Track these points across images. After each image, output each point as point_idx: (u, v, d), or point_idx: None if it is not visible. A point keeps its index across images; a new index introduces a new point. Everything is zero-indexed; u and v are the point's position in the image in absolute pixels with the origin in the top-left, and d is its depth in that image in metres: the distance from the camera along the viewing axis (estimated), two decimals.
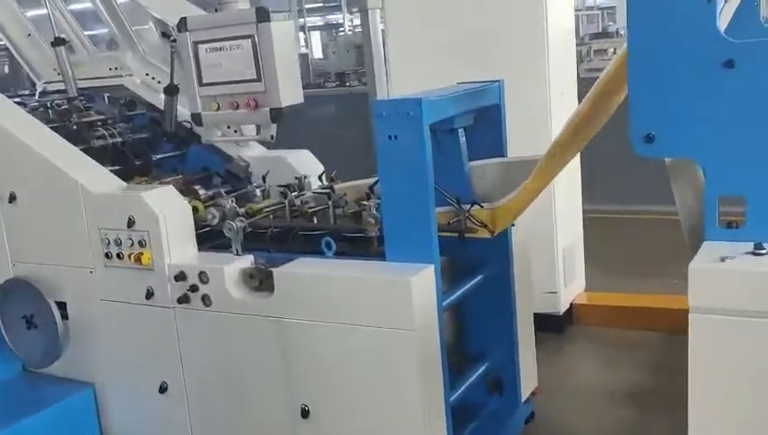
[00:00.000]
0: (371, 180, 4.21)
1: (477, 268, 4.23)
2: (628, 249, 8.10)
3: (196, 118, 4.05)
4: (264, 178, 4.80)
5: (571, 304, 6.44)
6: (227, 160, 5.20)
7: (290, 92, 3.83)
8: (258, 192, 4.67)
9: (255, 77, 3.82)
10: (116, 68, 5.66)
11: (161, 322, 4.14)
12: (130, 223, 4.08)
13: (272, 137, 3.92)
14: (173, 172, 5.30)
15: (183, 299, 4.03)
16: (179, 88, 5.05)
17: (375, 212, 3.83)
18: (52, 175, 4.30)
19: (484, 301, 4.37)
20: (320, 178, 4.89)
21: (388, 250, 3.68)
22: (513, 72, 4.69)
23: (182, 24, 3.92)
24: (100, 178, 4.35)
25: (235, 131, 4.26)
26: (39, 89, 5.82)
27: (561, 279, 6.14)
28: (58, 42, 5.40)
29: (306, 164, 5.12)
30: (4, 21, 5.72)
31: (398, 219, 3.63)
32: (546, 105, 5.75)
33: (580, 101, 3.94)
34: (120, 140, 5.07)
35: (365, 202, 4.00)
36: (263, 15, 3.72)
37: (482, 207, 3.83)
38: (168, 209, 4.10)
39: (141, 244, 4.08)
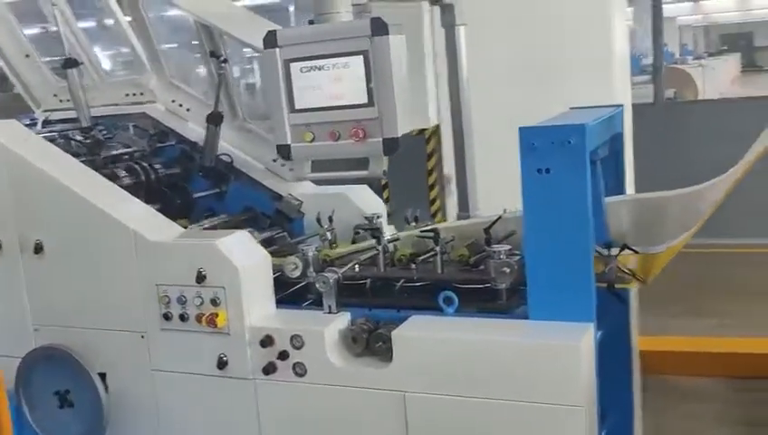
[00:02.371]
0: (481, 220, 3.60)
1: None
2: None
3: (284, 150, 3.35)
4: (330, 219, 4.12)
5: None
6: (276, 199, 4.50)
7: (405, 119, 3.20)
8: (329, 235, 4.01)
9: (366, 101, 3.16)
10: (134, 93, 4.92)
11: (237, 396, 3.42)
12: (201, 277, 3.37)
13: (384, 172, 3.26)
14: (209, 212, 4.58)
15: (269, 369, 3.32)
16: (223, 116, 4.37)
17: (509, 260, 3.21)
18: (96, 219, 3.55)
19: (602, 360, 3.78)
20: (389, 217, 4.27)
21: (534, 306, 3.07)
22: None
23: (271, 38, 3.23)
24: (156, 224, 3.62)
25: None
26: (39, 117, 5.01)
27: None
28: (70, 63, 4.64)
29: (369, 202, 4.47)
30: (2, 41, 4.91)
31: (548, 269, 3.02)
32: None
33: None
34: (152, 176, 4.33)
35: (486, 248, 3.37)
36: (379, 27, 3.08)
37: (636, 252, 3.25)
38: (246, 260, 3.40)
39: (214, 302, 3.37)
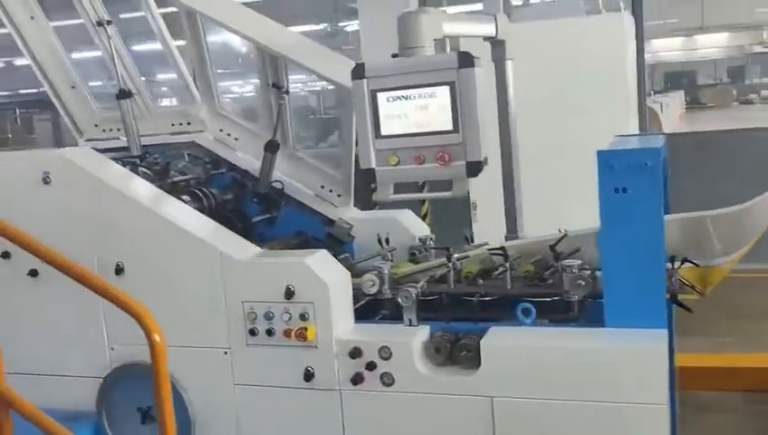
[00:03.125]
0: (543, 239, 3.86)
1: None
2: None
3: (369, 174, 3.58)
4: (387, 241, 4.35)
5: None
6: (327, 223, 4.72)
7: (487, 143, 3.46)
8: (390, 256, 4.25)
9: (452, 128, 3.42)
10: (180, 123, 5.10)
11: (323, 407, 3.59)
12: (289, 294, 3.56)
13: (468, 193, 3.51)
14: (258, 238, 4.77)
15: (357, 379, 3.51)
16: (279, 145, 4.59)
17: (582, 273, 3.48)
18: (181, 240, 3.72)
19: None
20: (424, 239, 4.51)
21: (610, 314, 3.33)
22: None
23: (359, 69, 3.47)
24: (237, 244, 3.81)
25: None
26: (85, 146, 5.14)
27: None
28: (123, 94, 4.81)
29: (416, 225, 4.72)
30: (48, 68, 5.05)
31: (624, 280, 3.29)
32: None
33: None
34: (213, 201, 4.51)
35: (554, 263, 3.64)
36: (466, 60, 3.35)
37: (697, 265, 3.54)
38: (332, 277, 3.61)
39: (303, 317, 3.56)
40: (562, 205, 5.25)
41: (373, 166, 3.58)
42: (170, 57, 4.96)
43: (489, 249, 3.88)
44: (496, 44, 4.27)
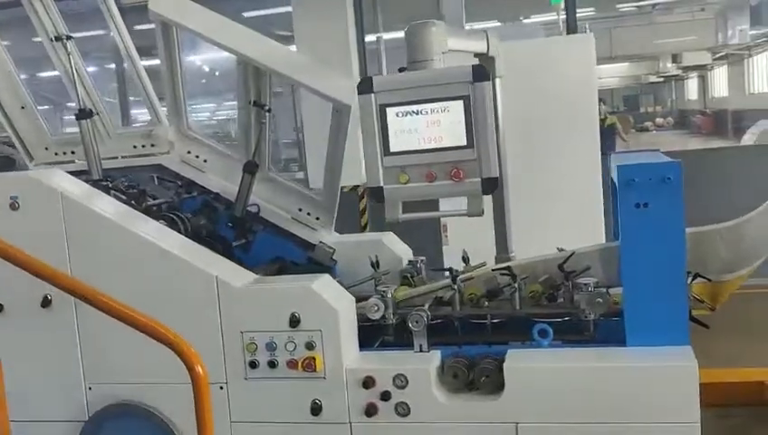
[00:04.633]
0: (550, 257, 3.76)
1: None
2: None
3: (376, 193, 3.40)
4: (376, 264, 4.17)
5: None
6: (306, 247, 4.50)
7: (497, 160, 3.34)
8: (384, 278, 4.07)
9: (466, 143, 3.28)
10: (143, 145, 4.79)
11: None
12: (294, 322, 3.33)
13: (482, 211, 3.37)
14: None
15: (371, 410, 3.31)
16: (258, 166, 4.36)
17: (599, 291, 3.39)
18: (171, 267, 3.45)
19: None
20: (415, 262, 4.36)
21: (631, 333, 3.26)
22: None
23: (367, 83, 3.31)
24: (233, 270, 3.56)
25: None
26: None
27: None
28: (83, 114, 4.49)
29: (399, 247, 4.56)
30: None
31: (647, 297, 3.22)
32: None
33: None
34: (189, 226, 4.23)
35: (565, 282, 3.55)
36: (481, 74, 3.23)
37: (709, 280, 3.51)
38: (339, 303, 3.40)
39: (310, 346, 3.34)
40: (541, 225, 5.19)
41: (381, 184, 3.41)
42: (137, 76, 4.65)
43: (494, 269, 3.75)
44: (487, 61, 4.18)
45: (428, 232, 5.90)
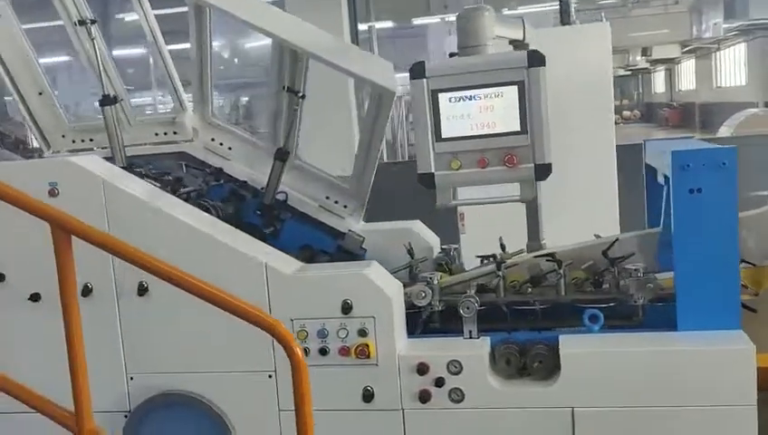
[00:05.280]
0: (593, 243, 3.78)
1: None
2: None
3: (427, 179, 3.38)
4: (411, 253, 4.16)
5: None
6: (335, 236, 4.46)
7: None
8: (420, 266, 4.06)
9: (519, 129, 3.28)
10: (165, 133, 4.72)
11: (384, 429, 3.36)
12: (347, 308, 3.31)
13: (535, 197, 3.37)
14: None
15: (425, 397, 3.30)
16: (290, 153, 4.31)
17: (648, 276, 3.42)
18: (220, 255, 3.40)
19: None
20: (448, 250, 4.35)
21: (683, 317, 3.28)
22: None
23: (419, 68, 3.28)
24: (281, 258, 3.52)
25: None
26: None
27: None
28: (108, 100, 4.39)
29: (428, 235, 4.55)
30: (16, 73, 4.55)
31: (699, 282, 3.25)
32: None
33: None
34: (220, 215, 4.16)
35: (611, 268, 3.56)
36: (536, 59, 3.23)
37: (754, 265, 3.55)
38: (391, 289, 3.39)
39: (362, 333, 3.32)
40: (557, 214, 5.21)
41: (432, 170, 3.39)
42: (162, 62, 4.56)
43: (537, 256, 3.76)
44: (520, 48, 4.17)
45: (445, 221, 5.89)
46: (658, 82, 47.40)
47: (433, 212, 4.90)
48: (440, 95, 3.32)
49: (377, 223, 4.70)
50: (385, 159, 11.01)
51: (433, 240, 4.49)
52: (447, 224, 6.09)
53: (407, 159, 13.35)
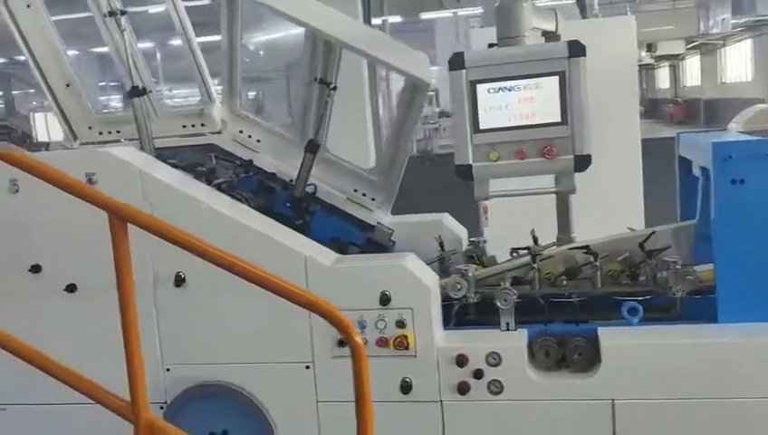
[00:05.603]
0: (628, 235, 3.77)
1: None
2: None
3: (464, 171, 3.37)
4: (442, 245, 4.15)
5: None
6: (365, 228, 4.45)
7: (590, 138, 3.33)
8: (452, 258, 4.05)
9: (560, 120, 3.27)
10: (192, 125, 4.70)
11: (422, 421, 3.36)
12: (385, 300, 3.30)
13: (575, 189, 3.36)
14: None
15: (464, 388, 3.29)
16: (320, 145, 4.29)
17: (687, 269, 3.40)
18: (258, 246, 3.38)
19: None
20: (477, 242, 4.34)
21: (724, 309, 3.27)
22: None
23: (458, 59, 3.27)
24: (320, 249, 3.51)
25: None
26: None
27: None
28: (136, 91, 4.38)
29: (457, 227, 4.54)
30: (45, 65, 4.54)
31: (741, 274, 3.23)
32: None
33: None
34: (252, 206, 4.15)
35: (648, 260, 3.55)
36: (577, 49, 3.22)
37: None
38: (429, 280, 3.38)
39: (401, 324, 3.31)
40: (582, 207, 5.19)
41: (470, 162, 3.38)
42: (190, 52, 4.54)
43: (571, 248, 3.74)
44: (553, 39, 4.16)
45: (468, 213, 5.87)
46: (662, 77, 47.31)
47: (452, 205, 4.91)
48: (479, 86, 3.31)
49: (405, 215, 4.69)
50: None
51: (462, 232, 4.49)
52: (468, 217, 6.09)
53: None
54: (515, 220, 4.95)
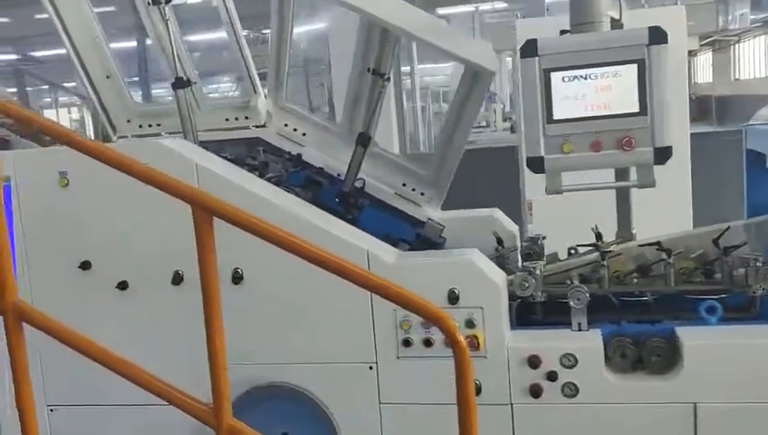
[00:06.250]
0: (700, 232, 3.62)
1: None
2: None
3: (536, 163, 3.22)
4: (500, 242, 4.00)
5: None
6: (415, 224, 4.31)
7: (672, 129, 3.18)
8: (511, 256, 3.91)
9: (638, 110, 3.11)
10: (236, 118, 4.57)
11: (492, 425, 3.20)
12: (453, 298, 3.16)
13: (654, 182, 3.21)
14: None
15: (536, 391, 3.15)
16: (371, 138, 4.15)
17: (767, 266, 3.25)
18: (319, 242, 3.23)
19: None
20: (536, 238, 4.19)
21: None
22: None
23: (530, 46, 3.12)
24: (381, 246, 3.37)
25: None
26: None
27: None
28: (181, 83, 4.24)
29: (509, 223, 4.39)
30: (86, 56, 4.41)
31: None
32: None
33: None
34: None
35: (723, 257, 3.40)
36: (658, 36, 3.06)
37: None
38: (498, 278, 3.24)
39: (470, 324, 3.16)
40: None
41: (542, 154, 3.23)
42: (236, 45, 4.40)
43: (641, 244, 3.59)
44: (617, 27, 4.00)
45: (511, 210, 5.74)
46: None
47: (491, 200, 4.76)
48: (553, 74, 3.16)
49: (455, 211, 4.55)
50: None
51: (514, 228, 4.34)
52: (508, 213, 5.96)
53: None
54: (560, 217, 4.81)
